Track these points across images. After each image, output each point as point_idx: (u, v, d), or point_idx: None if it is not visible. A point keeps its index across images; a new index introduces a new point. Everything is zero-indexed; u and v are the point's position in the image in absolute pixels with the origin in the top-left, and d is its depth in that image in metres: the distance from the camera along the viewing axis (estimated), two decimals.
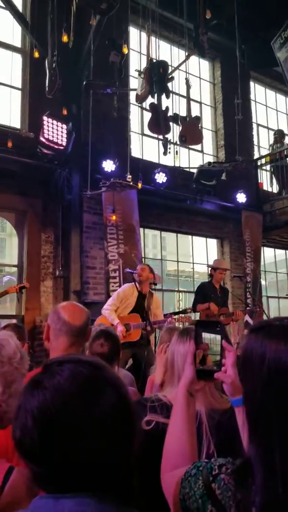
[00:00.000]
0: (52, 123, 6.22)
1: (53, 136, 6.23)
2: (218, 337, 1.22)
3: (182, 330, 1.77)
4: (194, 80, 9.10)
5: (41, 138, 6.18)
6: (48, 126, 6.18)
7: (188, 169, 8.28)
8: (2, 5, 6.75)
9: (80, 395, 0.81)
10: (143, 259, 8.04)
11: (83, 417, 0.79)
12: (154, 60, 6.13)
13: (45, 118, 6.13)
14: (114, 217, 7.05)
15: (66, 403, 0.80)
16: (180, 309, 6.21)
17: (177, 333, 1.76)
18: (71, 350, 1.79)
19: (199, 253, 9.49)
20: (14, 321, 6.40)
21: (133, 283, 5.55)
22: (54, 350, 1.82)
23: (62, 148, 6.31)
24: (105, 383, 0.84)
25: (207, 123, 9.54)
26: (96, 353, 2.57)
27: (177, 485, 1.00)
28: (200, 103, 9.46)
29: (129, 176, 6.18)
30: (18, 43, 7.24)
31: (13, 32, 7.12)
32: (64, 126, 6.29)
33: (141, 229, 7.94)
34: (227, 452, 1.28)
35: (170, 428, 1.18)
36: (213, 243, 9.49)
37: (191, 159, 9.03)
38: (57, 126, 6.26)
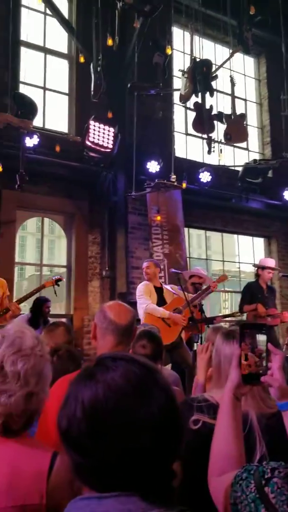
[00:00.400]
0: (99, 127, 6.31)
1: (98, 139, 6.34)
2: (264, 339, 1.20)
3: (227, 332, 1.76)
4: (239, 78, 8.98)
5: (87, 142, 6.30)
6: (94, 130, 6.29)
7: (233, 168, 8.19)
8: (49, 12, 6.95)
9: (131, 394, 0.82)
10: (187, 259, 8.03)
11: (133, 416, 0.80)
12: (198, 59, 6.11)
13: (91, 122, 6.25)
14: (159, 218, 7.08)
15: (118, 400, 0.81)
16: (226, 310, 6.16)
17: (221, 334, 1.75)
18: (117, 349, 1.82)
19: (245, 253, 9.36)
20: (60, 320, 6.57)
21: (145, 282, 5.52)
22: (101, 349, 1.86)
23: (108, 150, 6.41)
24: (155, 385, 0.85)
25: (252, 120, 9.40)
26: (138, 354, 2.59)
27: (227, 489, 1.00)
28: (245, 100, 9.33)
29: (173, 176, 6.20)
30: (64, 49, 7.43)
31: (59, 39, 7.31)
32: (111, 129, 6.38)
33: (186, 229, 7.93)
34: (276, 455, 1.28)
35: (216, 432, 1.18)
36: (259, 242, 9.32)
37: (236, 157, 8.92)
38: (103, 129, 6.36)
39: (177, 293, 5.52)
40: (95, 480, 0.82)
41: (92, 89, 5.88)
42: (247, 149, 9.14)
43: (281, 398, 1.17)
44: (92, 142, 6.32)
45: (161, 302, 5.46)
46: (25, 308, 6.62)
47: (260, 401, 1.49)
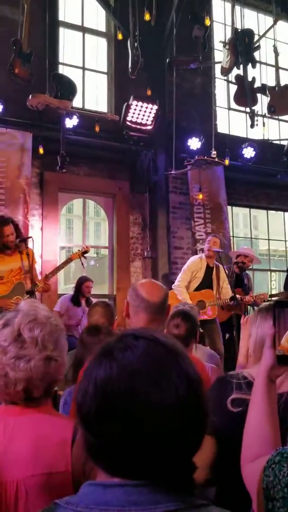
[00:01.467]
0: (139, 105, 6.21)
1: (138, 118, 6.26)
2: None
3: (265, 307, 1.68)
4: (283, 47, 8.57)
5: (127, 122, 6.23)
6: (135, 109, 6.20)
7: (278, 142, 7.89)
8: None
9: (147, 377, 0.77)
10: (232, 238, 7.88)
11: (145, 401, 0.76)
12: (239, 30, 5.88)
13: (132, 101, 6.15)
14: (200, 196, 6.96)
15: (131, 382, 0.77)
16: (274, 290, 5.99)
17: (258, 309, 1.68)
18: (151, 326, 1.80)
19: None
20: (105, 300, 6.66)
21: (200, 255, 5.45)
22: (134, 326, 1.85)
23: (148, 128, 6.32)
24: (176, 371, 0.79)
25: None
26: (171, 334, 2.55)
27: (260, 474, 0.95)
28: None
29: (214, 152, 6.04)
30: (102, 28, 7.35)
31: (97, 17, 7.24)
32: (153, 106, 6.24)
33: (229, 207, 7.76)
34: None
35: (249, 416, 1.13)
36: None
37: (282, 131, 8.58)
38: (144, 107, 6.25)
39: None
40: (104, 462, 0.79)
41: (130, 65, 5.79)
42: None
43: None
44: (131, 121, 6.25)
45: (207, 282, 5.37)
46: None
47: None
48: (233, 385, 1.51)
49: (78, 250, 4.90)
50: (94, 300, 5.80)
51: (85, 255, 4.85)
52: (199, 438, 0.82)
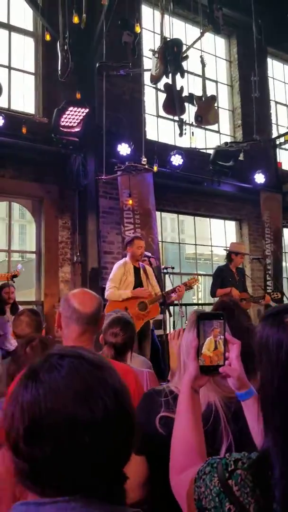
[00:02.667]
0: (71, 110, 6.10)
1: (68, 121, 6.16)
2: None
3: (189, 318, 1.71)
4: (210, 59, 8.88)
5: (60, 128, 6.10)
6: (67, 114, 6.08)
7: (204, 150, 8.14)
8: None
9: (74, 397, 0.77)
10: (160, 243, 7.99)
11: (73, 420, 0.75)
12: (168, 39, 5.98)
13: (64, 105, 6.02)
14: (130, 201, 6.99)
15: (58, 403, 0.76)
16: (200, 293, 6.13)
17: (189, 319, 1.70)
18: (83, 338, 1.77)
19: (218, 236, 9.39)
20: (30, 307, 6.47)
21: (123, 259, 5.45)
22: (66, 338, 1.80)
23: (77, 130, 6.23)
24: (104, 386, 0.80)
25: (223, 102, 9.34)
26: (109, 342, 2.52)
27: (191, 485, 0.96)
28: (216, 82, 9.25)
29: (144, 159, 6.10)
30: (30, 27, 7.15)
31: (24, 16, 7.03)
32: (82, 110, 6.16)
33: (158, 213, 7.87)
34: (247, 441, 1.24)
35: (175, 427, 1.14)
36: (231, 225, 9.36)
37: (208, 140, 8.87)
38: (74, 111, 6.15)
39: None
40: (35, 485, 0.78)
41: (59, 68, 5.68)
42: (218, 131, 9.10)
43: (240, 388, 1.14)
44: (63, 126, 6.14)
45: (138, 284, 5.33)
46: None
47: (223, 387, 1.45)
48: (160, 402, 1.51)
49: (8, 273, 4.77)
50: (20, 308, 5.62)
51: (14, 278, 4.73)
52: (128, 450, 0.82)
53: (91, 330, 1.84)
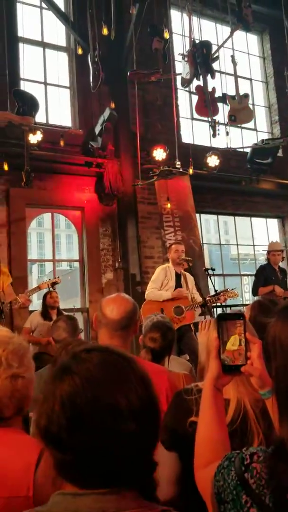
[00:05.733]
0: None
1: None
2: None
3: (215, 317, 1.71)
4: (242, 56, 8.80)
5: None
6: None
7: (241, 149, 8.05)
8: (45, 6, 6.90)
9: (109, 383, 0.81)
10: (202, 245, 7.96)
11: (112, 405, 0.80)
12: (197, 41, 5.99)
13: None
14: (169, 205, 7.02)
15: (96, 390, 0.80)
16: (247, 294, 6.03)
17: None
18: (112, 342, 1.81)
19: (260, 235, 9.24)
20: (79, 315, 6.66)
21: (166, 264, 5.48)
22: (99, 341, 1.86)
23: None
24: (133, 373, 0.85)
25: (259, 99, 9.21)
26: (147, 346, 2.55)
27: (211, 479, 0.99)
28: (250, 79, 9.14)
29: (178, 163, 6.12)
30: (63, 42, 7.37)
31: (57, 32, 7.26)
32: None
33: (198, 215, 7.85)
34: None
35: (199, 425, 1.17)
36: (274, 223, 9.19)
37: (244, 138, 8.77)
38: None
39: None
40: (76, 476, 0.82)
41: (91, 80, 5.83)
42: (255, 129, 8.98)
43: (262, 387, 1.15)
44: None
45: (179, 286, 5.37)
46: None
47: (251, 386, 1.46)
48: (188, 403, 1.53)
49: (49, 280, 4.94)
50: (65, 314, 5.78)
51: (54, 285, 4.90)
52: (156, 437, 0.87)
53: (121, 335, 1.86)
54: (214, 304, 5.53)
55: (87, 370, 0.83)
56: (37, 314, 5.70)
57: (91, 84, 5.87)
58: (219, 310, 6.21)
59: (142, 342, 2.61)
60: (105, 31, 5.45)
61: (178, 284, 5.40)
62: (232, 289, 5.54)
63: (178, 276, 5.43)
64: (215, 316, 5.65)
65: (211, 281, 5.84)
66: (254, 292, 6.18)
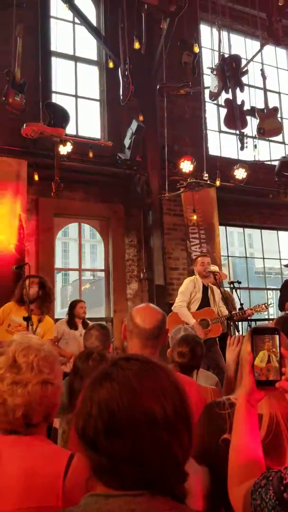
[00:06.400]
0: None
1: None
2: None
3: (248, 331, 1.71)
4: (272, 70, 8.80)
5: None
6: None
7: (269, 162, 8.02)
8: (78, 21, 7.07)
9: (148, 393, 0.83)
10: (227, 257, 7.93)
11: (147, 414, 0.82)
12: (226, 55, 6.03)
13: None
14: (195, 217, 7.04)
15: (135, 399, 0.83)
16: (271, 308, 5.96)
17: (247, 332, 1.70)
18: (144, 352, 1.82)
19: (287, 248, 9.14)
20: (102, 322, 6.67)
21: (194, 276, 5.45)
22: (130, 350, 1.87)
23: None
24: (170, 385, 0.87)
25: (287, 112, 9.17)
26: (175, 361, 2.54)
27: (247, 497, 0.98)
28: (279, 93, 9.13)
29: (205, 175, 6.13)
30: (94, 56, 7.52)
31: (88, 46, 7.42)
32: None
33: (223, 227, 7.84)
34: None
35: (233, 441, 1.16)
36: None
37: (272, 152, 8.73)
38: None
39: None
40: (109, 478, 0.84)
41: (121, 93, 5.92)
42: (283, 142, 8.93)
43: None
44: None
45: (205, 302, 5.35)
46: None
47: (285, 403, 1.44)
48: (221, 417, 1.51)
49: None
50: (90, 323, 5.81)
51: None
52: (189, 448, 0.87)
53: (152, 345, 1.88)
54: (240, 318, 5.48)
55: (126, 378, 0.85)
56: (64, 323, 5.74)
57: (121, 97, 5.96)
58: (245, 324, 6.16)
59: (170, 356, 2.61)
60: (136, 45, 5.55)
61: (205, 297, 5.37)
62: (263, 304, 5.51)
63: (205, 289, 5.41)
64: (245, 330, 5.61)
65: (237, 294, 5.82)
66: (280, 307, 6.10)
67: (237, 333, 4.06)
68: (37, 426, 1.28)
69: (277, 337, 1.16)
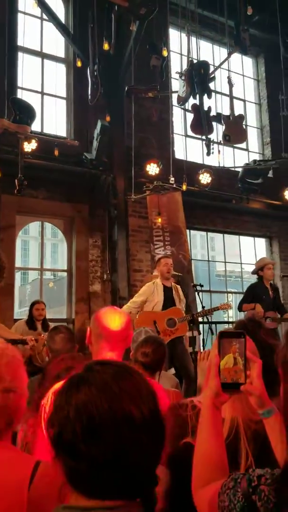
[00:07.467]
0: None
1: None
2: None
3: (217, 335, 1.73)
4: (238, 78, 8.98)
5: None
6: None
7: (233, 168, 8.17)
8: (46, 17, 6.97)
9: (126, 396, 0.83)
10: (191, 260, 8.01)
11: (130, 418, 0.81)
12: (195, 61, 6.10)
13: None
14: (159, 220, 7.07)
15: (112, 400, 0.82)
16: (230, 311, 6.14)
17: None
18: (111, 355, 1.82)
19: (248, 253, 9.33)
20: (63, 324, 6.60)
21: (152, 281, 5.53)
22: (95, 354, 1.87)
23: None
24: (145, 389, 0.87)
25: (252, 120, 9.38)
26: (139, 361, 2.55)
27: (213, 499, 0.99)
28: (244, 100, 9.31)
29: (172, 179, 6.18)
30: (61, 54, 7.43)
31: (56, 43, 7.32)
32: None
33: (187, 230, 7.91)
34: (265, 462, 1.26)
35: (198, 443, 1.16)
36: (261, 242, 9.30)
37: (236, 158, 8.90)
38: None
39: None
40: (86, 485, 0.82)
41: (89, 93, 5.88)
42: (247, 149, 9.12)
43: (261, 406, 1.15)
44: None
45: (168, 303, 5.38)
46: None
47: (247, 407, 1.47)
48: (183, 419, 1.53)
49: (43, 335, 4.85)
50: (51, 325, 5.73)
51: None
52: (161, 451, 0.88)
53: (120, 348, 1.89)
54: (201, 320, 5.57)
55: (104, 381, 0.85)
56: (23, 323, 5.67)
57: (89, 97, 5.92)
58: (206, 326, 6.23)
59: (134, 357, 2.62)
60: (106, 46, 5.53)
61: (169, 298, 5.40)
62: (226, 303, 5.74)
63: (168, 290, 5.43)
64: (205, 332, 5.71)
65: (199, 297, 5.90)
66: (239, 308, 6.26)
67: (206, 349, 4.13)
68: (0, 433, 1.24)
69: (243, 340, 1.18)
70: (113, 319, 1.90)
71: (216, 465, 1.12)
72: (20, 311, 13.23)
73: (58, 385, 1.81)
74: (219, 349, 1.18)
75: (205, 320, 5.87)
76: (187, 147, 8.23)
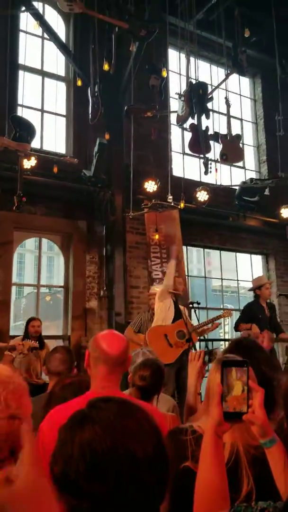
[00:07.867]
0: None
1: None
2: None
3: (218, 359, 1.74)
4: (235, 98, 9.11)
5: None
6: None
7: (230, 186, 8.24)
8: (47, 36, 7.07)
9: (129, 434, 0.84)
10: (187, 277, 8.03)
11: (132, 456, 0.82)
12: (194, 82, 6.19)
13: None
14: (157, 236, 7.10)
15: (116, 438, 0.83)
16: (226, 326, 6.18)
17: (215, 361, 1.73)
18: (110, 378, 1.83)
19: (244, 270, 9.36)
20: (61, 342, 6.59)
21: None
22: (94, 377, 1.87)
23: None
24: (149, 425, 0.88)
25: (248, 139, 9.49)
26: (136, 385, 2.55)
27: None
28: (241, 119, 9.44)
29: (170, 197, 6.23)
30: (62, 72, 7.53)
31: (57, 62, 7.42)
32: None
33: (184, 247, 7.95)
34: (265, 488, 1.26)
35: (200, 473, 1.17)
36: (258, 259, 9.34)
37: (233, 176, 8.99)
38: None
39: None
40: None
41: (90, 112, 5.95)
42: (243, 167, 9.21)
43: (263, 436, 1.16)
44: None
45: (177, 315, 5.47)
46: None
47: (247, 433, 1.48)
48: (183, 444, 1.52)
49: (29, 341, 4.89)
50: (46, 343, 5.73)
51: (32, 350, 4.83)
52: (166, 487, 0.88)
53: (118, 371, 1.90)
54: (199, 337, 5.61)
55: (107, 419, 0.85)
56: (19, 340, 5.62)
57: (90, 116, 5.99)
58: (202, 344, 6.23)
59: (132, 380, 2.61)
60: (106, 67, 5.61)
61: (177, 312, 5.49)
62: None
63: (175, 304, 5.56)
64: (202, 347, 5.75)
65: (196, 314, 5.92)
66: (235, 327, 6.27)
67: (197, 350, 4.17)
68: (2, 462, 1.24)
69: (246, 370, 1.19)
70: (113, 342, 1.90)
71: (218, 494, 1.13)
72: (15, 325, 13.14)
73: (58, 410, 1.82)
74: (222, 378, 1.19)
75: (201, 337, 5.89)
76: (184, 165, 8.32)
